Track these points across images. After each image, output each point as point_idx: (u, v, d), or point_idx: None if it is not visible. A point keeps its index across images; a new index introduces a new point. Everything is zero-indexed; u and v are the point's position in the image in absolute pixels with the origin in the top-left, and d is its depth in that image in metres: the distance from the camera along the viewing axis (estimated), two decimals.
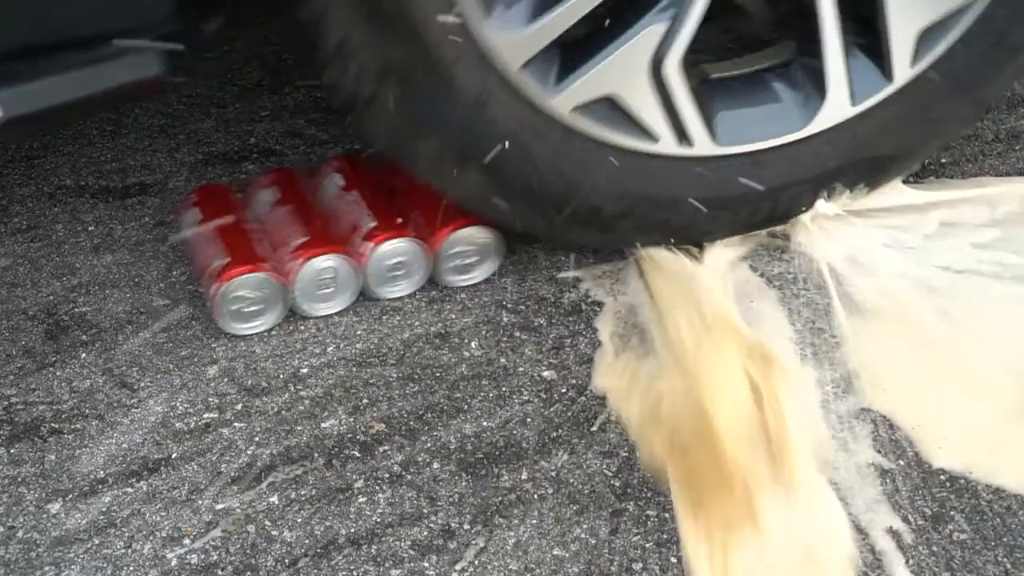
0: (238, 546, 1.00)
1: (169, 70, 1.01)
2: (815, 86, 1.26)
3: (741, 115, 1.26)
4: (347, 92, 1.13)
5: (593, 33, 1.17)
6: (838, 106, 1.26)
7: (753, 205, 1.31)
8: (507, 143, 1.16)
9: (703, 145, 1.24)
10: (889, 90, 1.27)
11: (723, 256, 1.34)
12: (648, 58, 1.16)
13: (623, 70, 1.17)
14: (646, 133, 1.21)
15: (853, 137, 1.29)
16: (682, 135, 1.22)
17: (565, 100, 1.16)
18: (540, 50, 1.12)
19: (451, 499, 1.05)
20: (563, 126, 1.18)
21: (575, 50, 1.17)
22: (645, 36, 1.15)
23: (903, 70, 1.26)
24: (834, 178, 1.32)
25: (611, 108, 1.19)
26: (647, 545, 1.01)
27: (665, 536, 1.02)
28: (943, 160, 1.59)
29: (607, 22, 1.17)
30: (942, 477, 1.07)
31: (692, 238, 1.33)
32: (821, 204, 1.34)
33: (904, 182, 1.54)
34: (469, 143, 1.16)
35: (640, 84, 1.17)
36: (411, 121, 1.15)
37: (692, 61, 1.20)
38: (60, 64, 0.97)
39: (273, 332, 1.27)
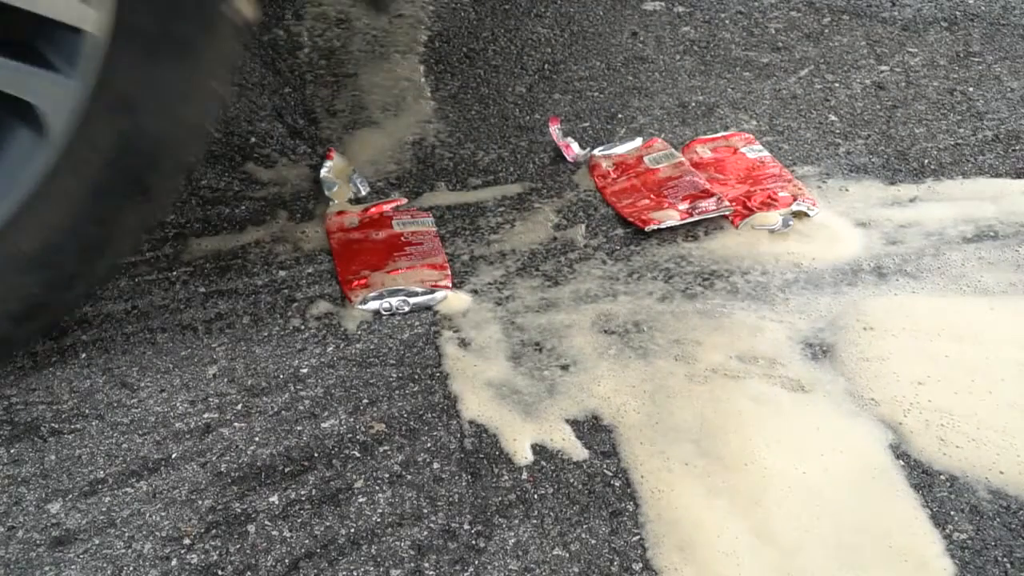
0: (238, 546, 1.00)
1: None
2: None
3: None
4: None
5: None
6: None
7: None
8: None
9: None
10: None
11: None
12: None
13: None
14: None
15: None
16: None
17: None
18: None
19: (451, 499, 1.05)
20: None
21: None
22: None
23: None
24: None
25: None
26: (647, 545, 1.00)
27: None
28: (943, 160, 1.59)
29: None
30: (942, 477, 1.07)
31: None
32: None
33: (903, 182, 1.54)
34: None
35: None
36: None
37: None
38: None
39: (273, 332, 1.27)
